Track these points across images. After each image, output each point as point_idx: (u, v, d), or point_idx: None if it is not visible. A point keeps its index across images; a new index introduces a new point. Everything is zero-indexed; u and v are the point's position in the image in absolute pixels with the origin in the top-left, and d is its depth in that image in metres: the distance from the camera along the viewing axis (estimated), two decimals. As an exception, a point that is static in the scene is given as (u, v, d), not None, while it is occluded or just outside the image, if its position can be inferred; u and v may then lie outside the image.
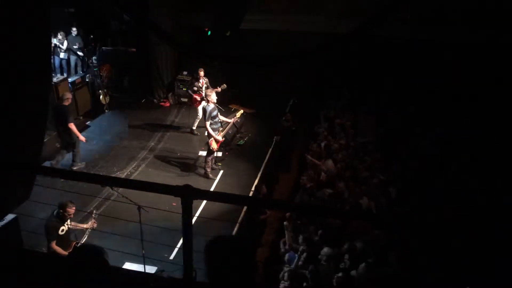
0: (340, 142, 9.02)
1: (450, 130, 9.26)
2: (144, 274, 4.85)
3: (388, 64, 11.71)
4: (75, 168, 9.05)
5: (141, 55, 13.24)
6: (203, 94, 10.65)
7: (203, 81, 11.00)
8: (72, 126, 8.83)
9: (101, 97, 12.10)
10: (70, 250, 5.78)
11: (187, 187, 2.05)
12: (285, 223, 6.49)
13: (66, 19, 13.42)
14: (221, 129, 9.15)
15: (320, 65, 12.01)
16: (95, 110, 12.11)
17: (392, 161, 8.34)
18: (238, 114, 9.84)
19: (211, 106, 8.87)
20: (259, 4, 12.58)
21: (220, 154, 9.93)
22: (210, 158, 9.17)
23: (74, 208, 5.82)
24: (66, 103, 8.95)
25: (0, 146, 3.68)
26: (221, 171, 9.50)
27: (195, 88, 11.06)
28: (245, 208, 7.75)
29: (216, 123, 8.99)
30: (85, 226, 6.22)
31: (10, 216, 4.98)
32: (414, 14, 10.77)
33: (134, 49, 13.50)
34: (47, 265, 3.48)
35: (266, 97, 12.51)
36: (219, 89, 10.27)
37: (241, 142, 10.92)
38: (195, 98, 11.06)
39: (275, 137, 10.16)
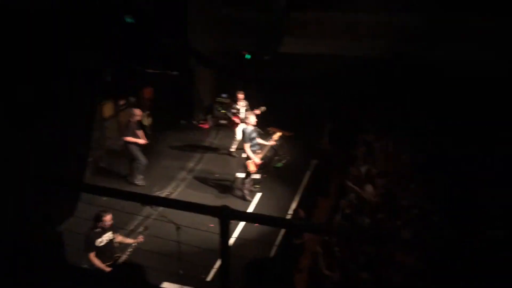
0: (379, 167, 8.83)
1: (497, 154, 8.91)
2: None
3: (428, 86, 11.48)
4: (136, 182, 9.64)
5: (182, 78, 13.58)
6: (242, 117, 10.79)
7: (242, 104, 11.14)
8: (128, 139, 9.40)
9: (144, 118, 12.45)
10: (111, 263, 5.87)
11: (225, 207, 2.07)
12: (317, 248, 6.38)
13: (110, 43, 13.95)
14: (259, 151, 9.20)
15: (358, 88, 11.92)
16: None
17: (436, 187, 8.08)
18: (276, 137, 9.86)
19: (250, 128, 8.95)
20: (297, 28, 12.69)
21: (258, 176, 9.94)
22: (247, 180, 9.20)
23: (109, 216, 5.90)
24: (132, 119, 9.60)
25: (47, 164, 3.84)
26: (259, 194, 9.49)
27: (234, 110, 11.20)
28: (282, 231, 7.70)
29: (254, 145, 9.04)
30: (131, 241, 6.31)
31: (56, 231, 5.14)
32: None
33: (175, 72, 13.87)
34: (88, 280, 3.57)
35: (304, 120, 12.50)
36: (258, 112, 10.36)
37: (279, 164, 10.91)
38: (234, 121, 11.19)
39: (313, 160, 10.09)
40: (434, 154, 9.48)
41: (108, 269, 5.77)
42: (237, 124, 11.09)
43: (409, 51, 11.29)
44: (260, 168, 9.70)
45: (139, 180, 9.71)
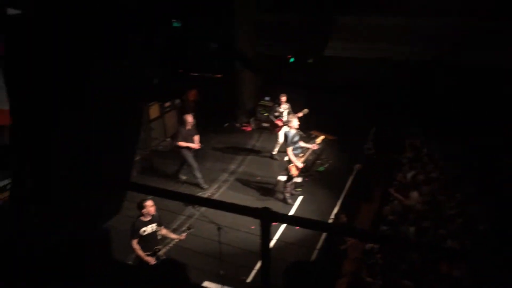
0: (428, 174, 8.54)
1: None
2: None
3: (479, 90, 11.04)
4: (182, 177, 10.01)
5: (226, 81, 13.76)
6: (284, 119, 10.77)
7: (284, 107, 11.13)
8: (179, 144, 9.59)
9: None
10: (150, 253, 6.08)
11: (266, 209, 2.07)
12: (358, 255, 6.27)
13: (158, 46, 14.36)
14: (302, 155, 9.15)
15: (405, 92, 11.63)
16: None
17: (483, 196, 7.74)
18: (319, 140, 9.77)
19: (293, 131, 8.91)
20: (342, 31, 12.55)
21: (299, 180, 9.89)
22: (289, 183, 9.17)
23: (150, 202, 6.11)
24: (183, 125, 9.72)
25: (96, 164, 3.99)
26: (300, 197, 9.44)
27: (277, 114, 11.21)
28: (324, 235, 7.62)
29: (297, 148, 9.00)
30: (174, 236, 6.47)
31: (103, 229, 5.33)
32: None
33: (219, 75, 14.08)
34: (134, 276, 3.67)
35: (348, 123, 12.33)
36: (300, 114, 10.31)
37: (322, 168, 10.81)
38: (277, 124, 11.19)
39: (356, 165, 9.93)
40: (482, 161, 9.09)
41: (147, 258, 6.00)
42: (279, 127, 11.09)
43: (455, 55, 10.92)
44: (302, 171, 9.65)
45: (202, 182, 9.92)
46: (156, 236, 6.24)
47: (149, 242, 6.16)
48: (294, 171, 8.94)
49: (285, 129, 9.83)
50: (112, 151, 4.34)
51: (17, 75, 3.53)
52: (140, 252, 6.04)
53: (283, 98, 11.16)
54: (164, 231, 6.40)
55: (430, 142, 10.16)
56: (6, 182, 7.26)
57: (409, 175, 8.57)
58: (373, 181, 9.99)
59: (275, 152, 11.36)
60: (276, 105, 11.41)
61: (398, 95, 11.82)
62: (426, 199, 7.73)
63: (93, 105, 3.84)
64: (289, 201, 9.16)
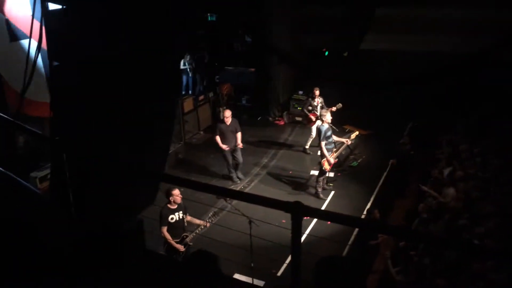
0: (466, 171, 8.28)
1: None
2: (251, 286, 4.94)
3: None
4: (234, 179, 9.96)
5: (259, 74, 13.77)
6: (318, 114, 10.69)
7: (318, 100, 11.04)
8: (217, 139, 9.64)
9: (221, 114, 12.79)
10: (178, 240, 6.34)
11: (297, 203, 2.07)
12: (386, 253, 6.17)
13: (193, 40, 14.53)
14: (335, 149, 9.07)
15: (444, 86, 11.30)
16: (215, 126, 12.82)
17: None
18: (353, 135, 9.65)
19: (326, 126, 8.84)
20: (380, 24, 12.28)
21: (332, 174, 9.81)
22: (321, 178, 9.11)
23: (177, 190, 6.33)
24: (222, 119, 9.79)
25: (131, 156, 4.08)
26: (332, 192, 9.36)
27: (310, 107, 11.13)
28: (356, 231, 7.54)
29: (330, 143, 8.93)
30: (199, 222, 6.63)
31: (136, 219, 5.47)
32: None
33: (253, 69, 14.10)
34: (166, 265, 3.75)
35: (383, 118, 12.11)
36: (334, 109, 10.20)
37: (355, 163, 10.67)
38: (310, 118, 11.12)
39: (391, 160, 9.74)
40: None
41: (176, 245, 6.26)
42: (313, 121, 11.01)
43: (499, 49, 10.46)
44: (335, 166, 9.57)
45: (235, 177, 9.97)
46: (184, 223, 6.46)
47: (176, 229, 6.39)
48: (326, 166, 8.87)
49: (318, 123, 9.75)
50: (147, 143, 4.43)
51: (59, 69, 3.65)
52: (170, 238, 6.28)
53: (317, 92, 11.07)
54: (189, 218, 6.61)
55: (469, 138, 9.84)
56: (46, 172, 7.56)
57: (446, 171, 8.34)
58: (408, 177, 9.78)
59: (307, 146, 11.31)
60: (310, 99, 11.33)
61: (436, 89, 11.50)
62: (461, 196, 7.51)
63: (131, 98, 3.92)
64: (321, 196, 9.11)
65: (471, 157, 8.89)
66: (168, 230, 6.30)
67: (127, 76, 3.74)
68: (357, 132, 10.00)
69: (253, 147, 11.78)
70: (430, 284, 5.31)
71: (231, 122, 9.58)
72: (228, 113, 9.58)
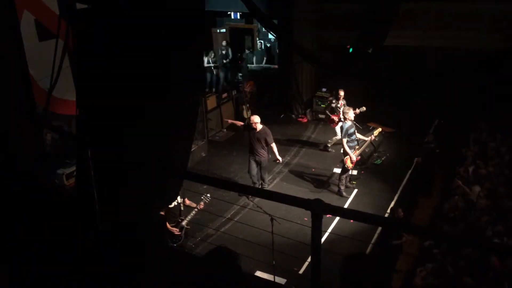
0: (489, 168, 8.09)
1: None
2: (273, 284, 4.95)
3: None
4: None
5: (282, 72, 13.74)
6: (341, 115, 10.60)
7: (341, 103, 10.93)
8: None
9: (244, 111, 12.82)
10: (174, 224, 6.55)
11: (317, 201, 2.06)
12: (410, 250, 6.09)
13: (217, 38, 14.63)
14: (357, 147, 8.98)
15: (471, 83, 11.04)
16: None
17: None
18: (376, 133, 9.53)
19: (349, 123, 8.77)
20: (404, 20, 12.08)
21: (355, 172, 9.72)
22: (344, 176, 9.04)
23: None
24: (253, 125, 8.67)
25: (154, 153, 4.14)
26: (356, 190, 9.28)
27: (333, 108, 11.05)
28: (379, 230, 7.45)
29: (352, 141, 8.86)
30: (193, 204, 6.75)
31: (158, 215, 5.58)
32: None
33: (276, 66, 14.08)
34: (186, 263, 3.80)
35: (408, 116, 11.92)
36: (357, 111, 9.92)
37: (379, 161, 10.54)
38: (332, 119, 11.04)
39: (415, 158, 9.59)
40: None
41: (172, 228, 6.45)
42: (336, 123, 10.91)
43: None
44: (358, 164, 9.48)
45: (255, 180, 9.11)
46: (180, 208, 6.62)
47: (174, 213, 6.56)
48: (349, 164, 8.80)
49: (341, 123, 9.64)
50: (170, 141, 4.48)
51: (86, 68, 3.72)
52: (167, 223, 6.44)
53: (341, 93, 10.96)
54: (188, 202, 6.76)
55: (497, 136, 9.60)
56: (73, 169, 7.72)
57: (470, 169, 8.18)
58: (434, 175, 9.61)
59: (329, 144, 11.22)
60: (334, 100, 11.24)
61: (462, 86, 11.26)
62: (486, 193, 7.34)
63: (156, 95, 3.97)
64: (344, 194, 9.04)
65: (497, 155, 8.69)
66: (165, 214, 6.43)
67: (151, 73, 3.79)
68: (380, 129, 9.87)
69: (276, 144, 11.72)
70: (457, 283, 5.21)
71: (260, 130, 8.61)
72: (257, 119, 8.62)
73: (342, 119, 9.13)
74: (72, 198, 4.33)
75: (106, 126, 3.90)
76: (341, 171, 9.06)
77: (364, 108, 10.30)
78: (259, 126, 8.62)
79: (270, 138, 8.68)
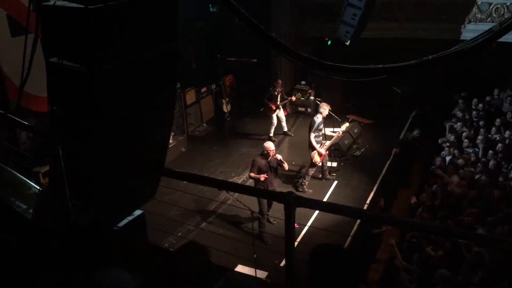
0: (465, 157, 8.25)
1: None
2: (250, 277, 4.96)
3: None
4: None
5: (262, 65, 13.68)
6: (278, 103, 11.08)
7: (279, 90, 11.15)
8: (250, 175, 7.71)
9: (223, 105, 12.75)
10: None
11: (289, 194, 2.06)
12: (392, 240, 6.16)
13: (194, 32, 14.45)
14: (324, 141, 9.06)
15: (446, 72, 11.20)
16: (218, 118, 12.80)
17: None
18: (343, 128, 9.63)
19: (320, 119, 8.83)
20: (382, 12, 12.15)
21: (335, 164, 9.78)
22: (312, 170, 9.07)
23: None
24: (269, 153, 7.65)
25: (130, 149, 4.07)
26: (335, 182, 9.34)
27: (273, 93, 11.25)
28: (359, 221, 7.52)
29: (319, 136, 8.95)
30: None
31: (137, 212, 5.50)
32: None
33: (255, 60, 14.00)
34: (166, 260, 3.76)
35: (386, 107, 12.03)
36: (293, 98, 10.88)
37: (358, 153, 10.63)
38: (270, 107, 11.12)
39: (394, 149, 9.70)
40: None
41: None
42: (273, 110, 11.18)
43: None
44: (337, 156, 9.58)
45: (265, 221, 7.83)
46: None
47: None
48: (316, 158, 8.85)
49: (277, 112, 10.66)
50: (146, 136, 4.42)
51: (56, 63, 3.63)
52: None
53: (279, 82, 11.41)
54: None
55: (471, 125, 9.77)
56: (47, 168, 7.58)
57: (447, 158, 8.31)
58: (412, 165, 9.74)
59: (271, 134, 11.43)
60: (271, 89, 11.32)
61: (438, 76, 11.42)
62: (463, 183, 7.47)
63: (129, 90, 3.90)
64: (304, 187, 9.06)
65: (473, 145, 8.85)
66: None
67: (124, 68, 3.72)
68: (347, 124, 10.00)
69: (257, 138, 11.76)
70: (433, 275, 5.29)
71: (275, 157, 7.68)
72: (272, 145, 7.65)
73: (316, 114, 9.18)
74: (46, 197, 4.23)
75: (78, 122, 3.82)
76: (310, 165, 9.10)
77: (299, 95, 11.43)
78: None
79: (281, 162, 7.82)
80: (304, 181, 9.12)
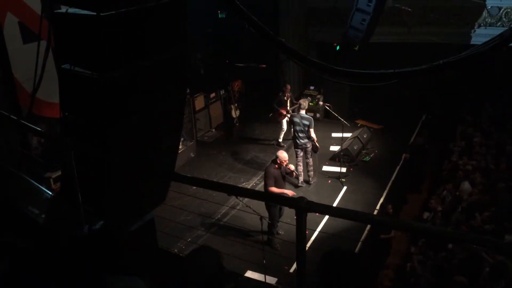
0: (472, 163, 8.16)
1: None
2: (262, 284, 4.95)
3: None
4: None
5: (270, 70, 13.70)
6: (288, 108, 10.96)
7: (288, 95, 11.10)
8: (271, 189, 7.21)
9: (232, 111, 12.78)
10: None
11: (301, 199, 2.06)
12: (412, 249, 6.10)
13: (203, 38, 14.53)
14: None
15: (457, 76, 11.13)
16: (227, 123, 12.83)
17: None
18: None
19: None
20: (390, 16, 12.12)
21: (344, 169, 9.75)
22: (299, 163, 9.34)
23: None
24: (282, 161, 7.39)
25: (141, 154, 4.11)
26: (345, 187, 9.30)
27: (284, 99, 11.15)
28: (369, 226, 7.48)
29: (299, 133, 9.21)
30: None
31: (147, 217, 5.52)
32: None
33: (264, 65, 14.03)
34: (176, 264, 3.77)
35: (396, 112, 11.97)
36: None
37: (367, 158, 10.58)
38: (280, 112, 11.10)
39: (404, 154, 9.65)
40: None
41: None
42: (283, 115, 11.09)
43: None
44: (347, 161, 9.57)
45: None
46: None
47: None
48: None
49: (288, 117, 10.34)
50: (157, 141, 4.45)
51: (70, 70, 3.68)
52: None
53: (288, 87, 11.28)
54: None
55: (483, 130, 9.70)
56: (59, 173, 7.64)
57: (460, 163, 8.25)
58: (422, 170, 9.68)
59: (280, 139, 11.36)
60: (280, 94, 11.30)
61: (449, 81, 11.35)
62: (478, 189, 7.39)
63: (140, 97, 3.94)
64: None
65: (485, 150, 8.76)
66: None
67: (135, 73, 3.76)
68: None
69: (266, 143, 11.76)
70: (449, 281, 5.22)
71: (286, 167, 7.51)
72: (286, 156, 7.39)
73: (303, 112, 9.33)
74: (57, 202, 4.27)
75: (90, 127, 3.86)
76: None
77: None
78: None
79: (292, 171, 7.69)
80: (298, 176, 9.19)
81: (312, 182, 9.48)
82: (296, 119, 9.17)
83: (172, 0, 3.75)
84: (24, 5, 7.63)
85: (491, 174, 7.90)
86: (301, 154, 9.36)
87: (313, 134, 9.06)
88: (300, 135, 9.14)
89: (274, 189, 6.91)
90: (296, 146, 9.33)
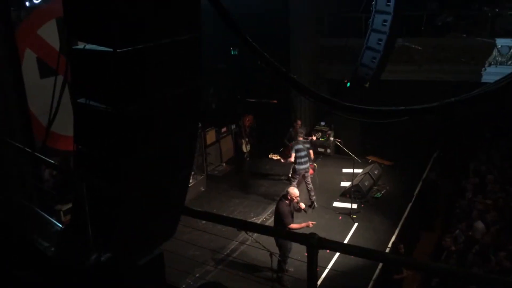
0: (487, 202, 8.01)
1: None
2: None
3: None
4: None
5: (281, 106, 13.82)
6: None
7: (299, 130, 11.06)
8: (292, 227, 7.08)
9: (243, 145, 12.82)
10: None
11: (312, 235, 2.04)
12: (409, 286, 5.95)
13: (216, 73, 14.79)
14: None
15: (469, 113, 11.10)
16: (237, 158, 12.84)
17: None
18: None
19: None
20: (400, 54, 12.27)
21: (355, 206, 9.64)
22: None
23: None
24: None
25: (152, 188, 4.11)
26: (356, 224, 9.17)
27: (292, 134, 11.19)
28: (380, 264, 7.31)
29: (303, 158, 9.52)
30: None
31: (156, 251, 5.48)
32: None
33: (275, 101, 14.16)
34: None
35: (407, 148, 11.92)
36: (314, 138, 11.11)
37: (378, 195, 10.47)
38: (291, 147, 11.07)
39: (416, 191, 9.53)
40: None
41: None
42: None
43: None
44: (358, 197, 9.50)
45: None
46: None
47: None
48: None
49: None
50: (168, 175, 4.46)
51: (84, 104, 3.75)
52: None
53: (299, 122, 11.58)
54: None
55: (496, 167, 9.57)
56: (70, 205, 7.66)
57: (474, 201, 8.11)
58: (435, 208, 9.53)
59: (290, 175, 11.20)
60: (291, 130, 11.32)
61: (461, 118, 11.32)
62: (494, 230, 7.23)
63: (153, 131, 3.98)
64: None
65: (498, 188, 8.63)
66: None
67: (150, 108, 3.81)
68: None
69: (276, 178, 11.73)
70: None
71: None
72: (297, 192, 7.39)
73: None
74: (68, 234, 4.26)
75: (104, 161, 3.89)
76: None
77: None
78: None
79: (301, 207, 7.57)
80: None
81: (315, 204, 9.70)
82: (300, 146, 9.36)
83: (188, 37, 3.84)
84: (42, 41, 7.89)
85: (506, 212, 7.74)
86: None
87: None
88: (304, 160, 9.42)
89: (294, 226, 6.71)
90: (298, 172, 9.66)
